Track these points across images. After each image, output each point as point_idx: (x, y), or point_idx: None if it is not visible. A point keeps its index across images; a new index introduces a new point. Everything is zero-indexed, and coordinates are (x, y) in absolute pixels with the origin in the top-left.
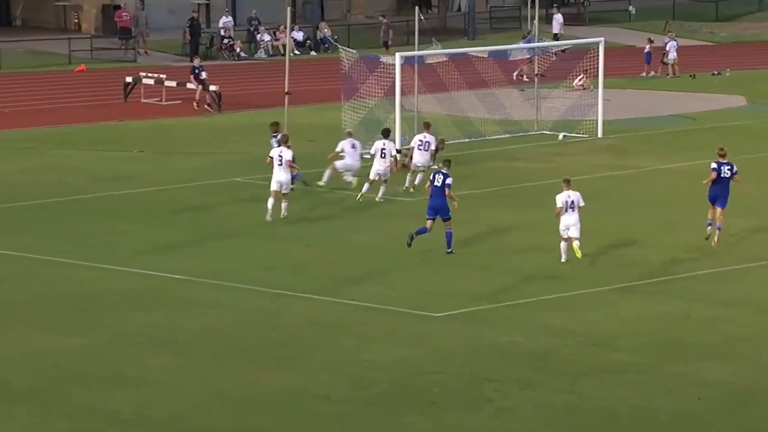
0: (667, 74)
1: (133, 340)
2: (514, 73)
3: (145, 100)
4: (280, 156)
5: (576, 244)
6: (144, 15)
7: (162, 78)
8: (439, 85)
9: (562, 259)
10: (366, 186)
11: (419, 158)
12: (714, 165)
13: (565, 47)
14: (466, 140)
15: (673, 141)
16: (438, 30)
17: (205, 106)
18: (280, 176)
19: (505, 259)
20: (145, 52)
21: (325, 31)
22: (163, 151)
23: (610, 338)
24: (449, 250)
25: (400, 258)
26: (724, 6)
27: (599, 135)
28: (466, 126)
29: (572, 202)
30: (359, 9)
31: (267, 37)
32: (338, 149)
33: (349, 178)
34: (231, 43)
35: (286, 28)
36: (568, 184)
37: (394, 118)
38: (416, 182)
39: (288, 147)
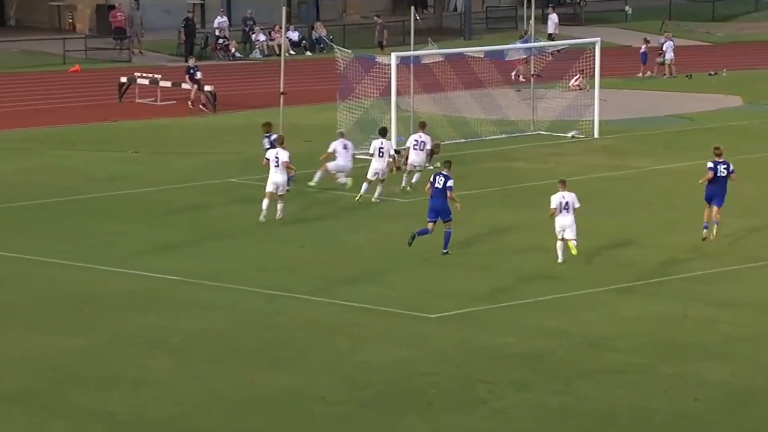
0: (664, 74)
1: (132, 342)
2: (512, 73)
3: (140, 101)
4: (276, 158)
5: (573, 243)
6: (139, 15)
7: (157, 78)
8: (435, 85)
9: (559, 260)
10: (364, 186)
11: (415, 158)
12: (710, 164)
13: (562, 47)
14: (463, 140)
15: (669, 141)
16: (434, 30)
17: (200, 107)
18: (276, 178)
19: (503, 260)
20: (140, 52)
21: (321, 31)
22: (158, 152)
23: (607, 339)
24: (445, 251)
25: (397, 258)
26: (720, 6)
27: (596, 135)
28: (462, 126)
29: (567, 203)
30: (354, 9)
31: (262, 37)
32: (330, 150)
33: (342, 179)
34: (226, 43)
35: (281, 28)
36: (563, 184)
37: (390, 119)
38: (413, 181)
39: (284, 148)
